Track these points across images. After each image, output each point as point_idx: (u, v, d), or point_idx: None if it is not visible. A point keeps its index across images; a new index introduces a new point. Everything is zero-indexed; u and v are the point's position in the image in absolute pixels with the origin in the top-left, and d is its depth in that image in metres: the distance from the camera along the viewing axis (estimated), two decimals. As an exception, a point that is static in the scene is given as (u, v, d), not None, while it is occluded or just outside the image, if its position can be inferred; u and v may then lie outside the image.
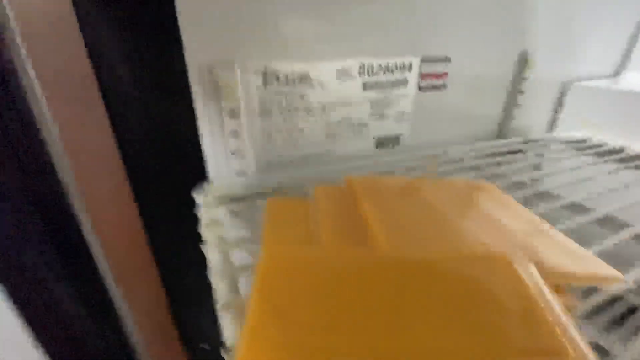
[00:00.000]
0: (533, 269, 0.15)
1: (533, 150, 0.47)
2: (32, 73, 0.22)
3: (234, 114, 0.29)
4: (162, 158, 0.29)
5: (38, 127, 0.24)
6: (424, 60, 0.38)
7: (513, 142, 0.48)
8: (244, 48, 0.28)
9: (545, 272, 0.16)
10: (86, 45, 0.24)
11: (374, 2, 0.32)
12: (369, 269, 0.16)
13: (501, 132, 0.50)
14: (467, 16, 0.38)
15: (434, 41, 0.37)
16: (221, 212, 0.26)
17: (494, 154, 0.44)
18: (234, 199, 0.29)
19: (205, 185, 0.29)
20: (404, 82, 0.37)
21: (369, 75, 0.35)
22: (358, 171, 0.35)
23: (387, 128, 0.39)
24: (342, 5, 0.31)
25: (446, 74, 0.40)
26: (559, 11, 0.45)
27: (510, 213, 0.24)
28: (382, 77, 0.36)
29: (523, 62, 0.45)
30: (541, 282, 0.15)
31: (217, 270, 0.20)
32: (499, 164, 0.40)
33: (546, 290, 0.15)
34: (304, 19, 0.30)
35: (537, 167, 0.41)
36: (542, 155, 0.45)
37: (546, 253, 0.19)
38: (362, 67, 0.34)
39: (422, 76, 0.38)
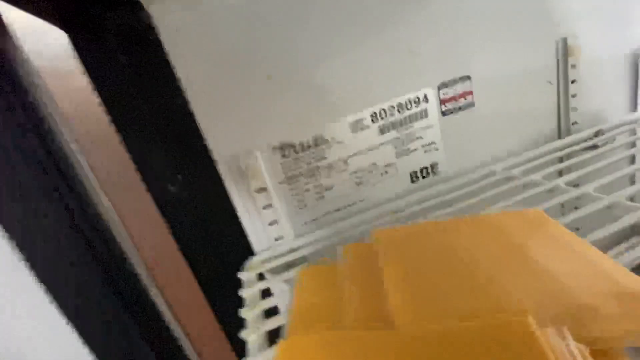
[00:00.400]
0: (560, 338, 0.13)
1: (611, 142, 0.40)
2: (90, 174, 0.29)
3: (262, 190, 0.33)
4: (212, 243, 0.33)
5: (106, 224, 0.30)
6: (441, 87, 0.36)
7: (577, 139, 0.41)
8: (259, 132, 0.32)
9: (594, 339, 0.14)
10: (134, 160, 0.30)
11: (372, 51, 0.33)
12: (387, 353, 0.16)
13: (562, 130, 0.43)
14: (486, 22, 0.36)
15: (448, 64, 0.36)
16: (260, 289, 0.28)
17: (554, 160, 0.39)
18: (274, 270, 0.31)
19: (248, 262, 0.32)
20: (423, 114, 0.36)
21: (382, 119, 0.35)
22: (395, 213, 0.34)
23: (418, 161, 0.38)
24: (342, 64, 0.33)
25: (470, 92, 0.38)
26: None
27: (567, 258, 0.20)
28: (397, 117, 0.36)
29: (564, 50, 0.40)
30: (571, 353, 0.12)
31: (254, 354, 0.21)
32: (560, 172, 0.34)
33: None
34: (307, 95, 0.32)
35: (620, 163, 0.34)
36: (618, 146, 0.38)
37: (604, 312, 0.16)
38: (374, 114, 0.35)
39: (442, 102, 0.37)
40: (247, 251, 0.34)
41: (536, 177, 0.33)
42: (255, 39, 0.29)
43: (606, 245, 0.41)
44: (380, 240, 0.26)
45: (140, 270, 0.32)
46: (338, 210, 0.37)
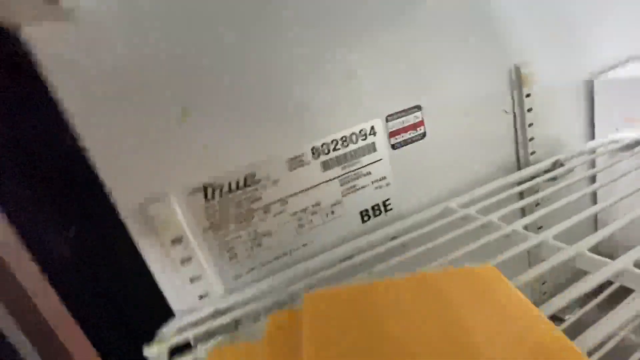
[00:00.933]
0: None
1: (570, 174, 0.38)
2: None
3: (177, 241, 0.27)
4: (122, 312, 0.27)
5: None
6: (389, 119, 0.33)
7: (534, 170, 0.39)
8: (173, 173, 0.27)
9: None
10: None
11: (311, 77, 0.30)
12: None
13: (521, 161, 0.41)
14: (436, 49, 0.34)
15: (397, 94, 0.33)
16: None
17: (514, 196, 0.36)
18: (197, 339, 0.26)
19: (159, 332, 0.26)
20: (371, 148, 0.33)
21: (326, 154, 0.31)
22: (343, 265, 0.30)
23: (368, 199, 0.34)
24: (275, 91, 0.29)
25: (420, 122, 0.35)
26: (543, 15, 0.38)
27: (501, 329, 0.17)
28: (342, 151, 0.32)
29: (518, 79, 0.38)
30: None
31: None
32: (522, 210, 0.31)
33: None
34: (233, 128, 0.28)
35: (577, 203, 0.32)
36: (578, 180, 0.35)
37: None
38: (314, 149, 0.31)
39: (391, 134, 0.34)
40: (166, 314, 0.29)
41: (494, 217, 0.30)
42: (163, 63, 0.25)
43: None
44: (308, 306, 0.22)
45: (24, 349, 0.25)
46: (277, 258, 0.32)
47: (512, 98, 0.39)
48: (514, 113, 0.40)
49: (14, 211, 0.23)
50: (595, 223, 0.46)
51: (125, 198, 0.26)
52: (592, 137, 0.46)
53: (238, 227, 0.30)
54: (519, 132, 0.40)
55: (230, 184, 0.29)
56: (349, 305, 0.21)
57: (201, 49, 0.26)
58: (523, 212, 0.39)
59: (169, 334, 0.26)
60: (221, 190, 0.28)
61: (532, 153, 0.41)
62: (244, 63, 0.27)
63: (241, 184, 0.29)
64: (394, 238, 0.31)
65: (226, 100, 0.27)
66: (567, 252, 0.23)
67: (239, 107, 0.28)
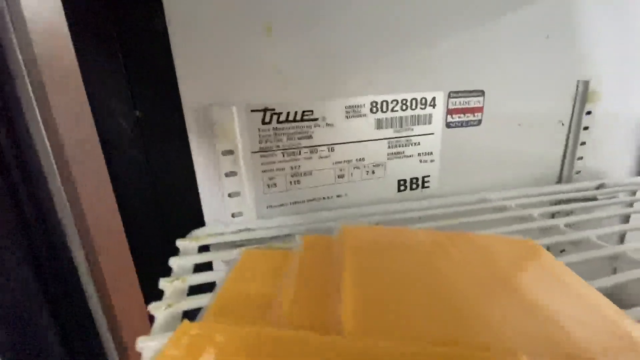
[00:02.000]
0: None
1: (611, 197, 0.37)
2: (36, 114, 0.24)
3: (229, 153, 0.28)
4: (158, 204, 0.28)
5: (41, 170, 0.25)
6: (452, 95, 0.33)
7: (579, 187, 0.39)
8: (241, 86, 0.27)
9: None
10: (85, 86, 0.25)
11: (387, 37, 0.30)
12: None
13: (564, 176, 0.41)
14: (507, 44, 0.33)
15: (465, 73, 0.33)
16: (194, 263, 0.23)
17: (551, 202, 0.36)
18: (221, 247, 0.26)
19: (194, 231, 0.27)
20: (427, 119, 0.33)
21: (383, 112, 0.32)
22: (372, 219, 0.30)
23: (410, 169, 0.34)
24: (351, 42, 0.29)
25: (480, 108, 0.35)
26: (626, 37, 0.38)
27: (565, 298, 0.17)
28: (399, 114, 0.32)
29: (584, 94, 0.38)
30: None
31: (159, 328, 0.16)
32: (554, 215, 0.31)
33: None
34: (305, 58, 0.28)
35: (615, 219, 0.32)
36: (620, 203, 0.35)
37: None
38: (374, 104, 0.31)
39: (450, 111, 0.34)
40: (197, 221, 0.30)
41: (533, 211, 0.30)
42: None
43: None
44: (349, 237, 0.22)
45: (66, 219, 0.26)
46: (311, 200, 0.32)
47: (573, 111, 0.39)
48: (569, 127, 0.39)
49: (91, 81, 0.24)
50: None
51: (192, 96, 0.26)
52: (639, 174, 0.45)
53: (284, 159, 0.30)
54: (569, 148, 0.40)
55: (288, 114, 0.29)
56: (391, 245, 0.22)
57: (299, -27, 0.26)
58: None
59: (202, 235, 0.27)
60: (278, 117, 0.29)
61: (577, 172, 0.41)
62: None
63: (298, 117, 0.29)
64: (427, 209, 0.32)
65: (309, 28, 0.28)
66: (610, 249, 0.23)
67: (320, 39, 0.28)
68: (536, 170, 0.40)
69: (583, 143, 0.40)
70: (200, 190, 0.29)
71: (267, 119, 0.29)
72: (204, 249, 0.26)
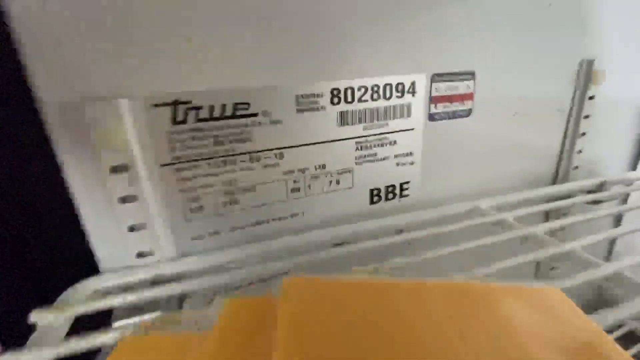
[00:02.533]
0: None
1: (614, 199, 0.32)
2: None
3: (123, 170, 0.19)
4: (19, 250, 0.19)
5: None
6: (436, 79, 0.26)
7: (581, 185, 0.33)
8: (135, 70, 0.18)
9: None
10: None
11: (352, 1, 0.21)
12: None
13: (560, 172, 0.35)
14: (502, 13, 0.26)
15: (451, 50, 0.26)
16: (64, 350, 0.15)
17: (551, 212, 0.30)
18: (117, 315, 0.18)
19: (69, 291, 0.18)
20: (405, 110, 0.25)
21: (348, 103, 0.23)
22: (334, 253, 0.23)
23: (385, 175, 0.27)
24: (303, 4, 0.20)
25: (470, 95, 0.27)
26: (636, 11, 0.32)
27: None
28: (369, 104, 0.24)
29: (587, 75, 0.32)
30: None
31: None
32: (562, 228, 0.25)
33: None
34: (237, 22, 0.19)
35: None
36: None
37: None
38: (336, 92, 0.23)
39: (434, 100, 0.26)
40: (87, 269, 0.21)
41: (539, 230, 0.24)
42: None
43: None
44: (288, 296, 0.14)
45: None
46: (255, 224, 0.24)
47: (574, 96, 0.32)
48: (569, 116, 0.33)
49: None
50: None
51: (53, 85, 0.17)
52: (635, 167, 0.40)
53: (211, 172, 0.22)
54: (568, 139, 0.34)
55: (212, 109, 0.20)
56: (349, 303, 0.14)
57: None
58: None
59: (80, 297, 0.18)
60: (197, 114, 0.20)
61: (575, 168, 0.35)
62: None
63: (228, 112, 0.21)
64: (400, 231, 0.24)
65: (231, -16, 0.19)
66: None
67: (248, 3, 0.19)
68: (531, 167, 0.33)
69: (583, 134, 0.34)
70: (86, 225, 0.20)
71: (179, 117, 0.20)
72: (94, 318, 0.17)
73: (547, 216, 0.36)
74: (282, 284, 0.16)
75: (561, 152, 0.34)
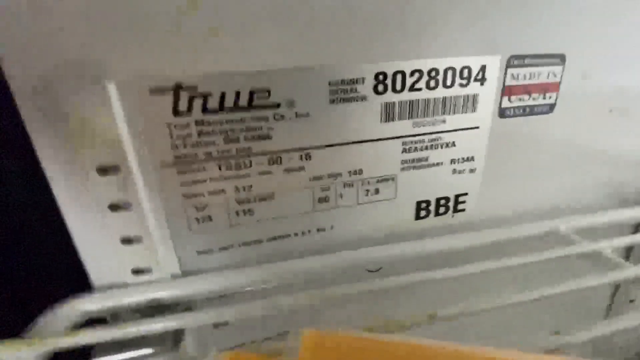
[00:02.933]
0: None
1: None
2: None
3: (114, 171, 0.15)
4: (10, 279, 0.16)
5: None
6: (514, 63, 0.20)
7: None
8: (126, 43, 0.14)
9: None
10: None
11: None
12: None
13: (660, 187, 0.28)
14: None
15: (535, 25, 0.19)
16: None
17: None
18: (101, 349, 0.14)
19: (42, 319, 0.15)
20: (470, 103, 0.20)
21: (395, 92, 0.18)
22: (373, 272, 0.18)
23: (437, 185, 0.21)
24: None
25: (555, 85, 0.21)
26: None
27: None
28: (422, 94, 0.19)
29: None
30: None
31: None
32: None
33: None
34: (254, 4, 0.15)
35: None
36: None
37: None
38: (380, 77, 0.18)
39: (507, 90, 0.20)
40: (76, 286, 0.17)
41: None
42: None
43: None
44: (309, 351, 0.10)
45: None
46: (273, 239, 0.20)
47: (689, 90, 0.25)
48: (679, 115, 0.26)
49: None
50: None
51: (22, 65, 0.13)
52: None
53: (221, 175, 0.17)
54: (675, 145, 0.26)
55: (223, 96, 0.16)
56: None
57: None
58: None
59: (57, 326, 0.15)
60: (205, 103, 0.16)
61: (681, 181, 0.27)
62: None
63: (243, 101, 0.16)
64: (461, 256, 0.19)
65: None
66: None
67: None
68: (625, 179, 0.26)
69: (697, 139, 0.26)
70: (72, 235, 0.16)
71: (183, 106, 0.16)
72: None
73: None
74: (298, 338, 0.11)
75: (664, 160, 0.27)
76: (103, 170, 0.15)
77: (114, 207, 0.16)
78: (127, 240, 0.17)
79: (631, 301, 0.31)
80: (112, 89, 0.14)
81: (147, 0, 0.14)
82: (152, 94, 0.15)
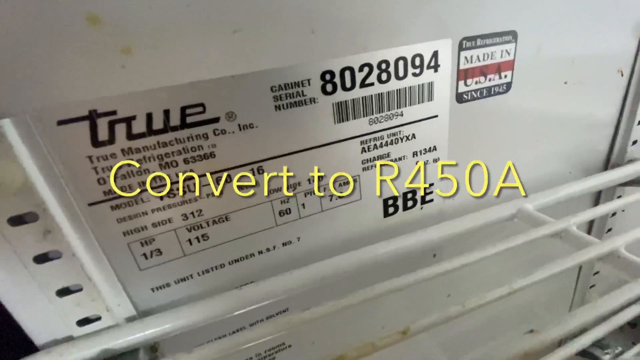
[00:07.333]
0: None
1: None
2: None
3: (32, 218, 0.13)
4: None
5: None
6: (466, 45, 0.19)
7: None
8: (20, 70, 0.12)
9: None
10: None
11: None
12: None
13: (614, 153, 0.28)
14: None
15: (484, 6, 0.18)
16: None
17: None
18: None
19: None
20: (426, 92, 0.19)
21: (346, 89, 0.17)
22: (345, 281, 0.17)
23: (403, 179, 0.21)
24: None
25: (510, 63, 0.20)
26: None
27: None
28: (375, 89, 0.17)
29: (654, 24, 0.24)
30: None
31: None
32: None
33: None
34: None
35: None
36: None
37: None
38: (328, 76, 0.16)
39: (462, 74, 0.19)
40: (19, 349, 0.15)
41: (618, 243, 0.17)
42: None
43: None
44: None
45: None
46: (235, 262, 0.18)
47: (637, 55, 0.25)
48: (629, 80, 0.26)
49: None
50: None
51: None
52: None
53: (164, 203, 0.16)
54: (627, 108, 0.27)
55: (150, 117, 0.14)
56: None
57: None
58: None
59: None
60: (129, 127, 0.14)
61: (634, 143, 0.28)
62: None
63: (174, 120, 0.14)
64: (433, 255, 0.19)
65: None
66: None
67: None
68: (584, 146, 0.27)
69: (646, 103, 0.27)
70: (5, 304, 0.14)
71: (102, 135, 0.14)
72: None
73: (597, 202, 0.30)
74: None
75: (618, 123, 0.27)
76: (16, 221, 0.13)
77: (39, 259, 0.14)
78: (64, 292, 0.15)
79: (591, 287, 0.32)
80: (8, 128, 0.12)
81: (42, 22, 0.11)
82: (61, 126, 0.13)
